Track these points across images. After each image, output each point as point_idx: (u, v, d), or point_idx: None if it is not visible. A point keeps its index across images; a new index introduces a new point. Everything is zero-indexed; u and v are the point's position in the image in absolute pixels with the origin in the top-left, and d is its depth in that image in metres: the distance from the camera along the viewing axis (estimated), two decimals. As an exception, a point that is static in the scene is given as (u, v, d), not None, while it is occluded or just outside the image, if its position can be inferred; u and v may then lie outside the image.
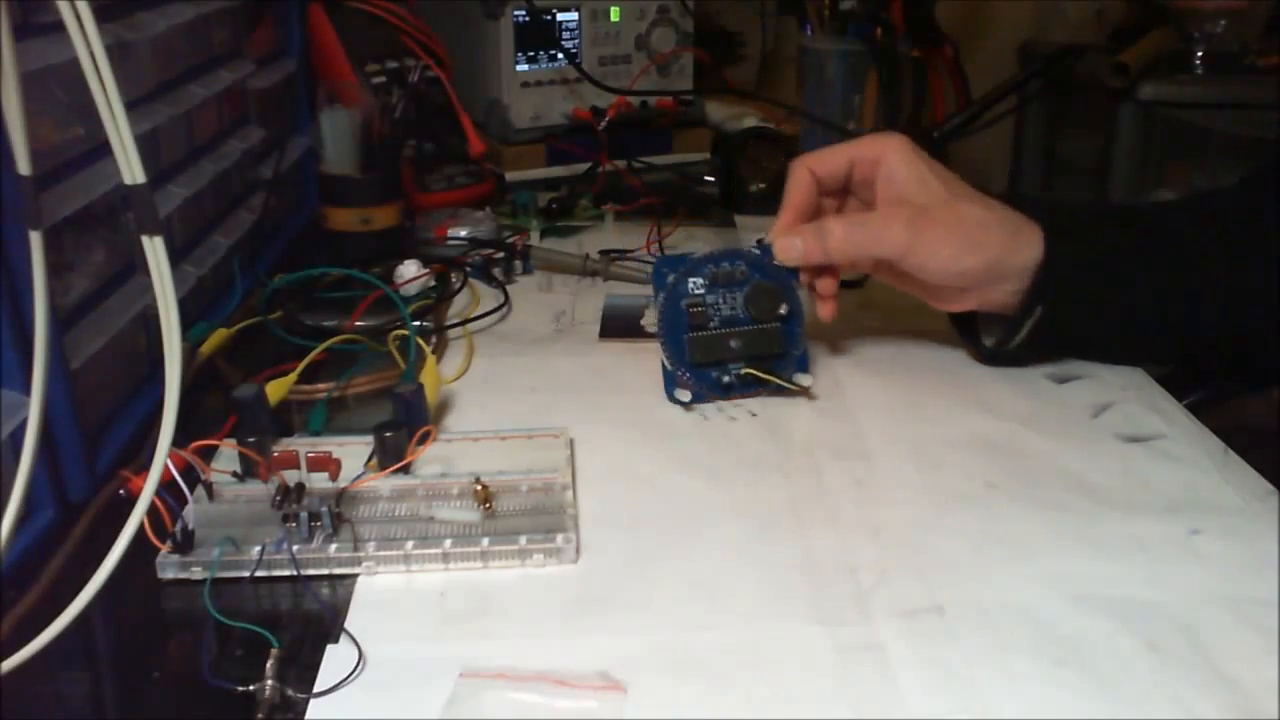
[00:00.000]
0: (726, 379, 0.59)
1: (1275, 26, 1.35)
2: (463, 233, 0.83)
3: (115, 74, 0.38)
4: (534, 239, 0.88)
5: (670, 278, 0.59)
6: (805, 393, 0.60)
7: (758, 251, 0.60)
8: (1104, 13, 1.51)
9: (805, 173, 0.61)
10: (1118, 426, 0.58)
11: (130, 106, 0.44)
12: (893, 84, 1.03)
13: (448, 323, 0.70)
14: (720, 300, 0.59)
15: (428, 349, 0.58)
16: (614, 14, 1.06)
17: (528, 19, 1.01)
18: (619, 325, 0.72)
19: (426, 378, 0.56)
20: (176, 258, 0.64)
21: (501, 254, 0.80)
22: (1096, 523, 0.49)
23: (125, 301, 0.55)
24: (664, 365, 0.59)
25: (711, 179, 1.06)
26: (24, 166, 0.39)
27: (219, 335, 0.64)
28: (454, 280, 0.77)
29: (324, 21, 0.89)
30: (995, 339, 0.62)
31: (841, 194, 0.63)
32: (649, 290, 0.62)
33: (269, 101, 0.81)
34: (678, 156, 1.11)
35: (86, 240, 0.53)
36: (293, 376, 0.57)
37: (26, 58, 0.42)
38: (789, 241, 0.59)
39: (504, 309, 0.73)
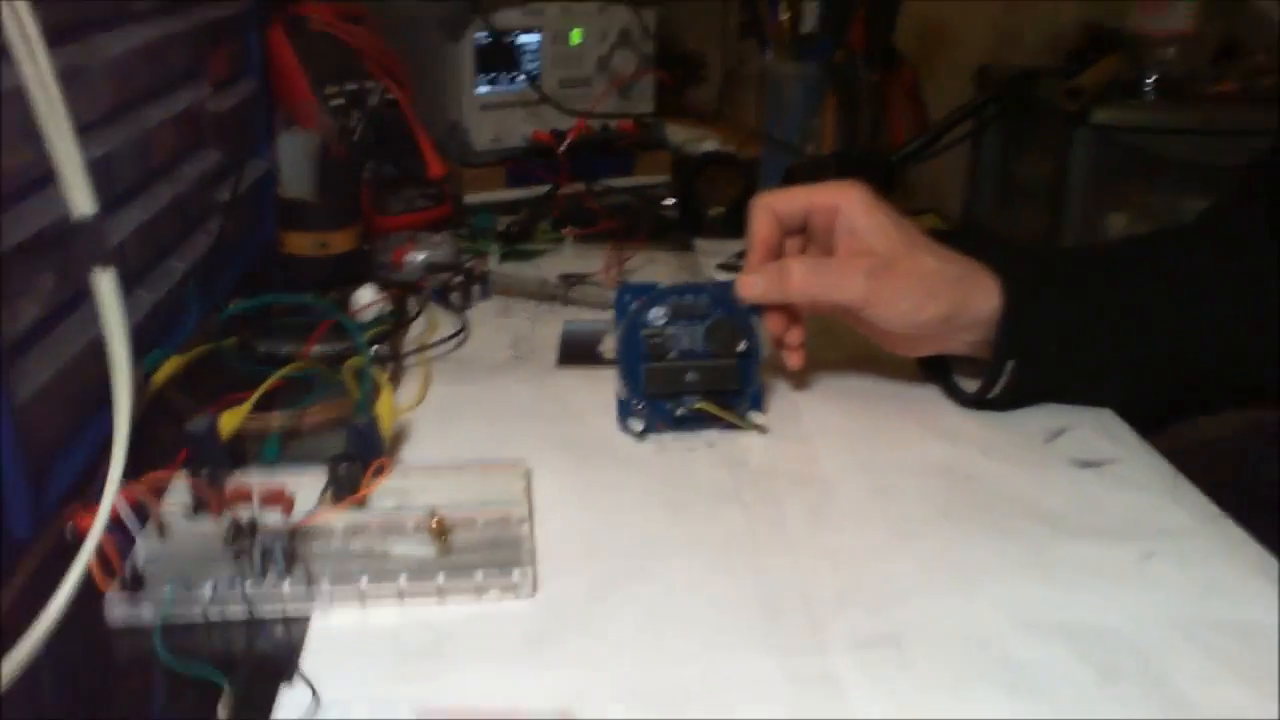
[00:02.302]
0: (680, 411, 0.59)
1: (1224, 54, 1.38)
2: (421, 257, 0.83)
3: (66, 102, 0.37)
4: (493, 263, 0.88)
5: (632, 306, 0.59)
6: (759, 429, 0.60)
7: (721, 285, 0.60)
8: (1060, 38, 1.54)
9: (767, 212, 0.62)
10: (1071, 451, 0.58)
11: (84, 130, 0.43)
12: (851, 107, 1.04)
13: (404, 350, 0.70)
14: (680, 332, 0.59)
15: (383, 379, 0.58)
16: (575, 36, 1.06)
17: (489, 41, 1.01)
18: (577, 351, 0.71)
19: (381, 408, 0.55)
20: (130, 283, 0.63)
21: (460, 278, 0.80)
22: (1050, 548, 0.49)
23: (75, 330, 0.54)
24: (618, 394, 0.59)
25: (672, 202, 1.06)
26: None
27: (172, 363, 0.63)
28: (411, 306, 0.76)
29: (284, 43, 0.89)
30: (973, 391, 0.63)
31: (804, 233, 0.64)
32: (608, 316, 0.62)
33: (227, 124, 0.81)
34: (639, 179, 1.12)
35: (36, 266, 0.52)
36: (246, 407, 0.56)
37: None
38: (751, 279, 0.60)
39: (461, 335, 0.73)
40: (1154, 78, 1.39)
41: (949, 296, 0.59)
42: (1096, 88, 1.32)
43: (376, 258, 0.84)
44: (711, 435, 0.60)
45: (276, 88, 0.90)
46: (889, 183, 1.05)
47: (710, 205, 0.99)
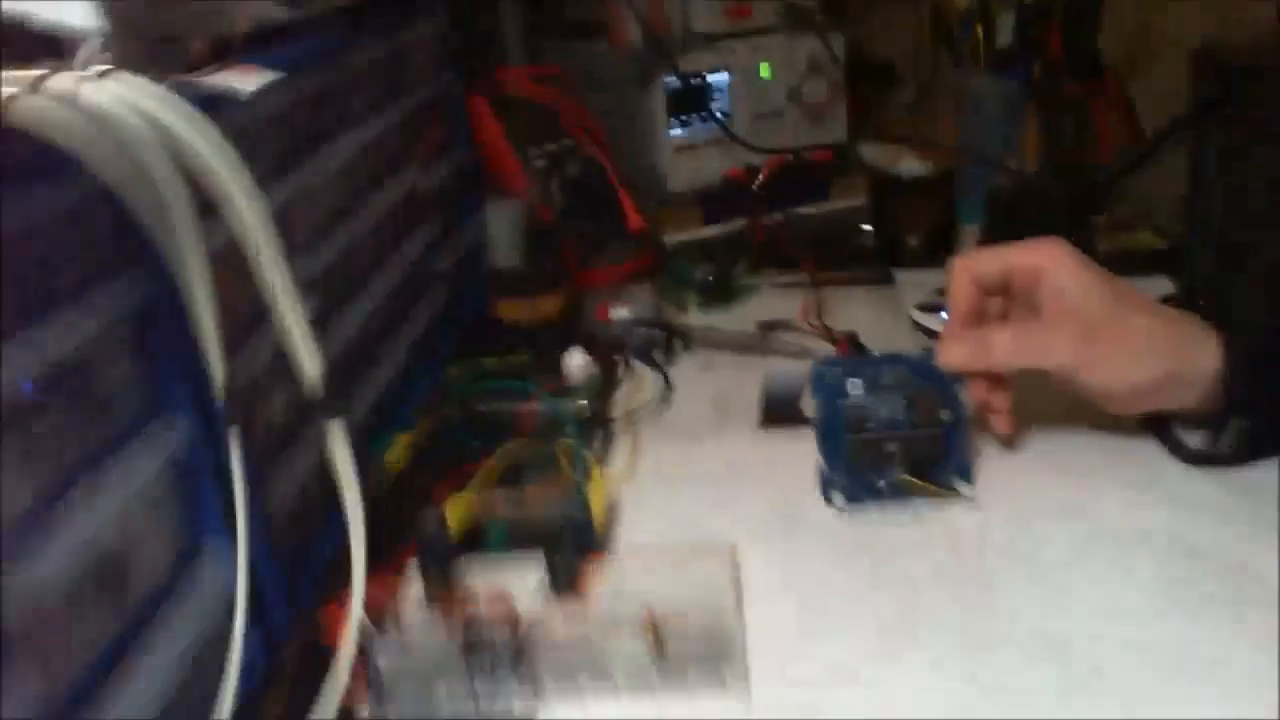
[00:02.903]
0: (882, 483, 0.59)
1: None
2: (624, 312, 0.85)
3: (288, 266, 0.41)
4: (693, 314, 0.89)
5: (828, 379, 0.60)
6: (967, 500, 0.59)
7: (921, 356, 0.60)
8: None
9: (965, 275, 0.61)
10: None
11: (308, 243, 0.46)
12: (1054, 122, 1.00)
13: (611, 414, 0.73)
14: (879, 403, 0.59)
15: (594, 463, 0.61)
16: (764, 70, 1.07)
17: (679, 85, 1.03)
18: (779, 409, 0.72)
19: (594, 494, 0.58)
20: (356, 371, 0.68)
21: (662, 334, 0.82)
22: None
23: (311, 440, 0.59)
24: (819, 468, 0.60)
25: (869, 226, 1.05)
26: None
27: (402, 444, 0.68)
28: (619, 366, 0.79)
29: (486, 112, 0.93)
30: (1201, 447, 0.60)
31: (1006, 292, 0.62)
32: (808, 365, 0.62)
33: (439, 198, 0.86)
34: (835, 204, 1.11)
35: (265, 389, 0.57)
36: (469, 496, 0.60)
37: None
38: (952, 348, 0.59)
39: (665, 396, 0.75)
40: None
41: (1165, 357, 0.57)
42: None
43: (584, 316, 0.87)
44: (918, 507, 0.59)
45: (483, 156, 0.94)
46: (1099, 201, 1.00)
47: (909, 231, 0.98)
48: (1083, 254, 0.59)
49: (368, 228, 0.70)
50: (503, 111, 0.94)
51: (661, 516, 0.61)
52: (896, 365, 0.60)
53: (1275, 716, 0.39)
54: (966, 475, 0.60)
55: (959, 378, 0.60)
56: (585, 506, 0.57)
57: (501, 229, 0.82)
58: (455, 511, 0.59)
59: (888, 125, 1.19)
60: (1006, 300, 0.63)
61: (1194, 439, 0.61)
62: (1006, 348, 0.58)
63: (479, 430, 0.69)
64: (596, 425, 0.70)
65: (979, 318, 0.61)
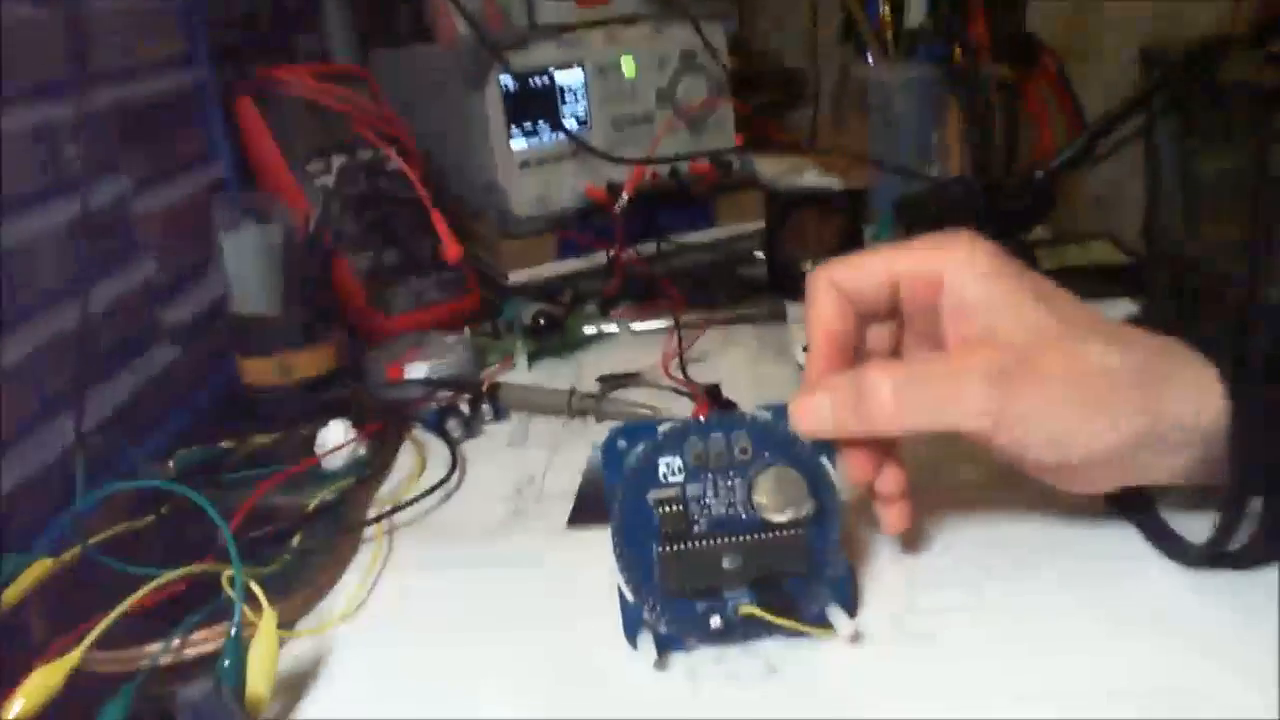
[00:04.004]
0: (718, 618, 0.38)
1: None
2: (422, 370, 0.64)
3: None
4: (520, 365, 0.69)
5: (630, 457, 0.39)
6: (845, 638, 0.38)
7: (766, 416, 0.39)
8: (1242, 5, 1.25)
9: (831, 292, 0.40)
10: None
11: None
12: (980, 114, 0.81)
13: (371, 514, 0.51)
14: (709, 492, 0.39)
15: (264, 603, 0.39)
16: (626, 67, 0.87)
17: (517, 86, 0.83)
18: (598, 499, 0.51)
19: (256, 652, 0.36)
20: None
21: (466, 396, 0.61)
22: None
23: None
24: (621, 592, 0.39)
25: (761, 254, 0.85)
26: None
27: (36, 570, 0.46)
28: (397, 442, 0.58)
29: (254, 117, 0.73)
30: (1205, 542, 0.39)
31: (894, 318, 0.42)
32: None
33: (169, 225, 0.65)
34: (724, 229, 0.91)
35: None
36: (74, 658, 0.38)
37: None
38: (813, 402, 0.38)
39: (448, 483, 0.54)
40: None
41: (1131, 405, 0.36)
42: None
43: (368, 375, 0.66)
44: (772, 650, 0.38)
45: (256, 174, 0.74)
46: (1042, 205, 0.81)
47: (805, 257, 0.78)
48: (1002, 251, 0.39)
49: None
50: (279, 117, 0.74)
51: (377, 680, 0.39)
52: (736, 430, 0.39)
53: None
54: (845, 596, 0.39)
55: (826, 446, 0.39)
56: (235, 674, 0.35)
57: (245, 262, 0.60)
58: (42, 684, 0.37)
59: (779, 136, 1.00)
60: (896, 325, 0.42)
61: (1187, 524, 0.41)
62: (889, 400, 0.37)
63: (162, 546, 0.48)
64: (339, 529, 0.49)
65: (852, 355, 0.41)
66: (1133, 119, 0.87)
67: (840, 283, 0.40)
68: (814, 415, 0.38)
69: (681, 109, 0.89)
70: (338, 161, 0.73)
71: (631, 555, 0.38)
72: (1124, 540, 0.42)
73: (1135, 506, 0.42)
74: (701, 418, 0.39)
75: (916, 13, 0.84)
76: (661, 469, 0.39)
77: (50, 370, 0.52)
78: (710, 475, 0.39)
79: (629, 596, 0.38)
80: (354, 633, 0.42)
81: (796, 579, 0.38)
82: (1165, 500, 0.42)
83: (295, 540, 0.47)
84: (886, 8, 0.86)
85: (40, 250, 0.52)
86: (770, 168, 0.96)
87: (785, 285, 0.77)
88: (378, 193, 0.74)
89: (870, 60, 0.87)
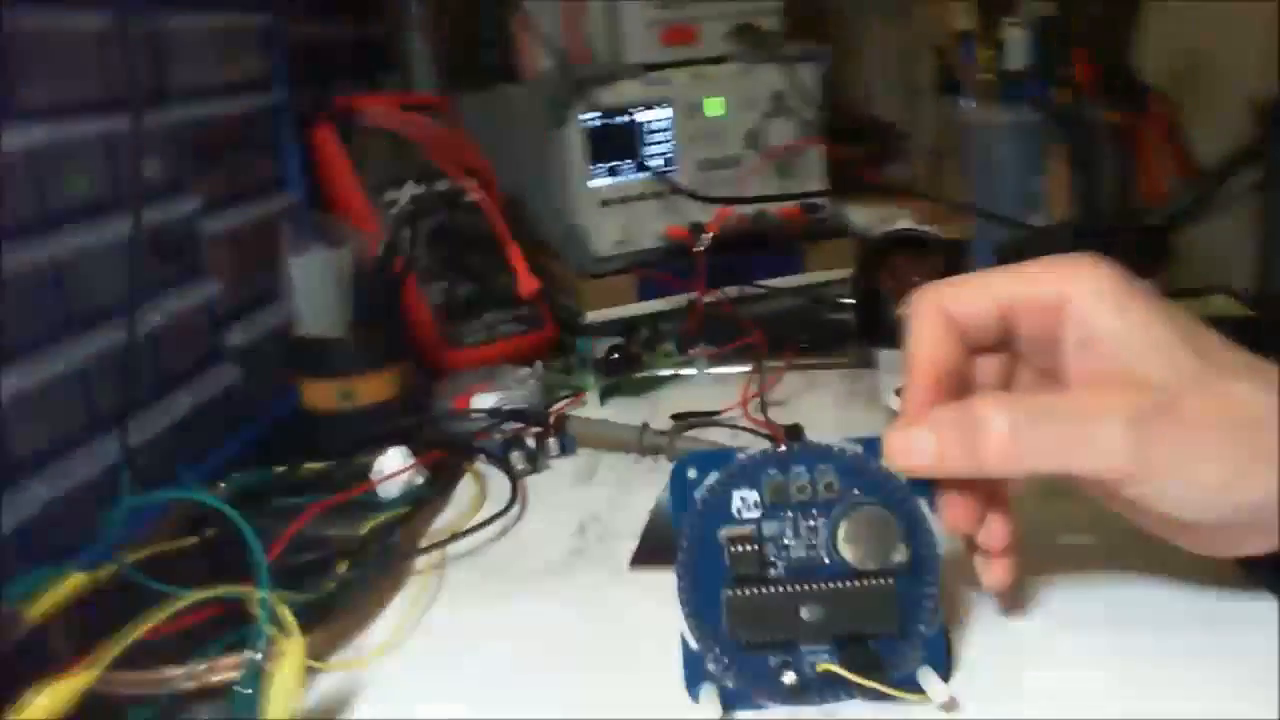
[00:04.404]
0: (792, 674, 0.34)
1: None
2: (490, 400, 0.62)
3: None
4: (591, 402, 0.65)
5: (701, 488, 0.35)
6: (937, 706, 0.33)
7: (857, 449, 0.35)
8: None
9: (937, 317, 0.36)
10: None
11: None
12: (1087, 160, 0.76)
13: (424, 543, 0.48)
14: (788, 532, 0.35)
15: (291, 625, 0.36)
16: (713, 107, 0.85)
17: (600, 124, 0.81)
18: (665, 540, 0.47)
19: (277, 684, 0.33)
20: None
21: (535, 429, 0.58)
22: None
23: None
24: (684, 640, 0.35)
25: (850, 302, 0.81)
26: None
27: (68, 585, 0.44)
28: (459, 473, 0.55)
29: (332, 145, 0.72)
30: None
31: (1004, 349, 0.38)
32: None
33: (235, 249, 0.63)
34: (811, 276, 0.87)
35: None
36: (85, 678, 0.35)
37: None
38: (913, 435, 0.34)
39: (507, 516, 0.50)
40: None
41: None
42: None
43: (436, 406, 0.63)
44: (853, 714, 0.34)
45: (329, 201, 0.72)
46: (1154, 257, 0.76)
47: (894, 305, 0.74)
48: (1130, 275, 0.34)
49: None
50: (358, 146, 0.73)
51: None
52: (821, 464, 0.35)
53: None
54: (940, 659, 0.34)
55: (924, 487, 0.35)
56: (252, 703, 0.32)
57: (312, 285, 0.59)
58: (46, 704, 0.35)
59: (872, 179, 0.96)
60: (1007, 358, 0.38)
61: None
62: (1005, 437, 0.33)
63: (206, 569, 0.45)
64: (389, 559, 0.46)
65: (959, 387, 0.36)
66: (1250, 170, 0.81)
67: (948, 306, 0.36)
68: (914, 450, 0.34)
69: (770, 151, 0.86)
70: (413, 191, 0.71)
71: (697, 598, 0.34)
72: (1263, 610, 0.37)
73: (1272, 572, 0.37)
74: (782, 447, 0.35)
75: (1017, 53, 0.80)
76: (735, 503, 0.35)
77: (101, 383, 0.50)
78: (790, 513, 0.35)
79: (692, 644, 0.34)
80: (392, 669, 0.39)
81: (883, 640, 0.34)
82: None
83: (340, 569, 0.44)
84: (985, 50, 0.82)
85: (101, 262, 0.51)
86: (863, 216, 0.92)
87: (875, 332, 0.73)
88: (454, 225, 0.72)
89: (967, 105, 0.84)
